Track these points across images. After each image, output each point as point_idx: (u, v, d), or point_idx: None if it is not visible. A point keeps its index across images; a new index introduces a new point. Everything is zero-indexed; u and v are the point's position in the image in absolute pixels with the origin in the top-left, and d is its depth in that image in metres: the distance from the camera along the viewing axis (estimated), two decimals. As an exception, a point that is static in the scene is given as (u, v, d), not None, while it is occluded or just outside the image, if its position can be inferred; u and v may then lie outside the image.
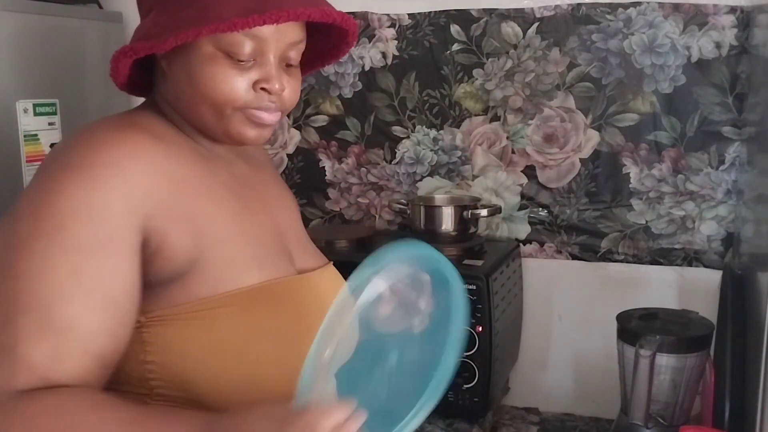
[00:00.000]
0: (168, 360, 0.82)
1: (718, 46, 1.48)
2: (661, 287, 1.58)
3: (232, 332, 0.83)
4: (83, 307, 0.75)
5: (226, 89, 0.83)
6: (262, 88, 0.85)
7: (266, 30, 0.82)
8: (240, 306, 0.83)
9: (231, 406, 0.78)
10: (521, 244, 1.67)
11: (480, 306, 1.35)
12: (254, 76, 0.84)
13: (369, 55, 1.72)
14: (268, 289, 0.86)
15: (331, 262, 1.02)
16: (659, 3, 1.50)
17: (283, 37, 0.84)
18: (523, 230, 1.67)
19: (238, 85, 0.83)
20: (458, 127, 1.68)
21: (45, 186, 0.78)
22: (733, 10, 1.46)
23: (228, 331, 0.83)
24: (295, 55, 0.88)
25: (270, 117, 0.87)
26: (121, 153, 0.79)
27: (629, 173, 1.58)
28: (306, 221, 1.82)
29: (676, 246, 1.57)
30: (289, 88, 0.87)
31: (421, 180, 1.73)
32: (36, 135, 1.39)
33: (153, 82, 0.92)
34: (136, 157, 0.80)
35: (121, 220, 0.77)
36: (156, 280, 0.81)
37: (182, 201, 0.83)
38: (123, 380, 0.82)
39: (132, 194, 0.78)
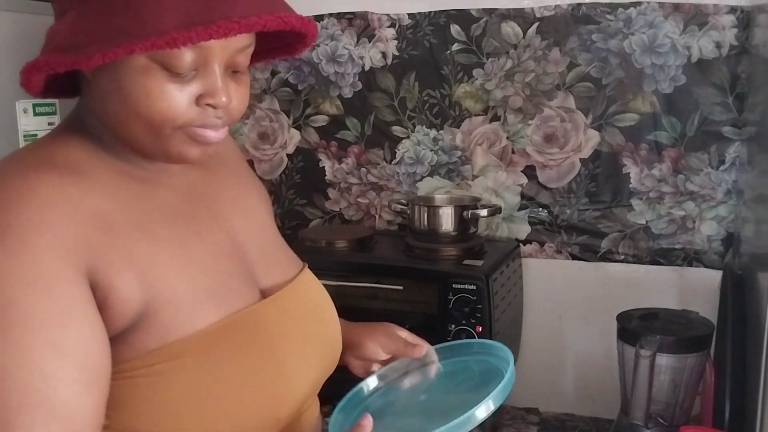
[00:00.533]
0: (121, 423, 0.73)
1: (718, 46, 1.48)
2: (661, 287, 1.58)
3: (189, 386, 0.73)
4: (76, 384, 0.67)
5: (164, 107, 0.71)
6: (207, 104, 0.74)
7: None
8: (195, 353, 0.74)
9: None
10: (521, 244, 1.66)
11: (480, 306, 1.35)
12: (196, 89, 0.73)
13: (369, 55, 1.72)
14: (226, 328, 0.77)
15: (304, 267, 0.95)
16: (659, 3, 1.50)
17: (230, 45, 0.73)
18: (523, 230, 1.67)
19: (177, 101, 0.72)
20: (458, 127, 1.68)
21: None
22: (733, 10, 1.46)
23: (184, 385, 0.73)
24: (243, 60, 0.76)
25: (216, 135, 0.76)
26: (38, 205, 0.68)
27: (629, 173, 1.58)
28: (306, 221, 1.83)
29: (677, 246, 1.57)
30: (237, 99, 0.76)
31: (421, 180, 1.73)
32: (36, 135, 1.39)
33: (77, 84, 0.80)
34: (54, 206, 0.69)
35: (72, 280, 0.68)
36: (108, 332, 0.72)
37: (117, 243, 0.72)
38: None
39: (66, 249, 0.68)
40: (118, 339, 0.72)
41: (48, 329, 0.66)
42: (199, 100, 0.74)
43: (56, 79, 0.75)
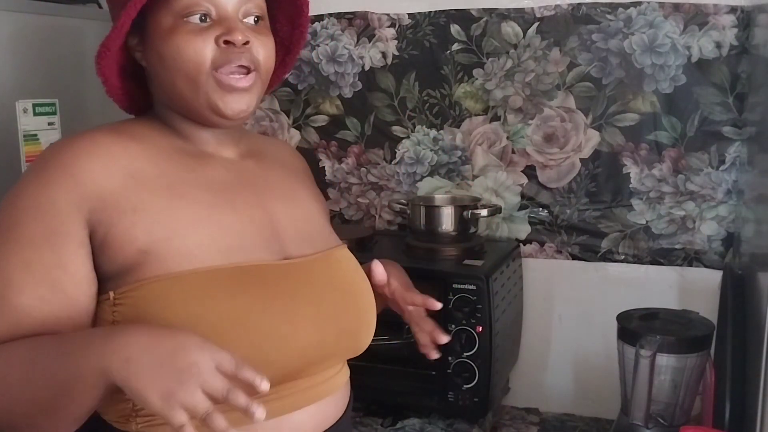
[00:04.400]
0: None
1: (718, 45, 1.48)
2: (661, 287, 1.58)
3: (185, 312, 0.81)
4: (34, 296, 0.81)
5: (191, 53, 0.85)
6: (225, 42, 0.86)
7: None
8: (193, 285, 0.82)
9: None
10: (521, 244, 1.66)
11: (480, 306, 1.35)
12: (215, 32, 0.86)
13: (369, 55, 1.72)
14: (229, 271, 0.85)
15: (340, 245, 1.02)
16: (659, 3, 1.50)
17: None
18: (523, 230, 1.67)
19: (201, 44, 0.86)
20: (458, 127, 1.68)
21: (14, 187, 0.86)
22: (733, 9, 1.46)
23: (181, 309, 0.81)
24: (256, 10, 0.90)
25: (241, 81, 0.88)
26: (76, 153, 0.84)
27: (629, 173, 1.58)
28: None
29: (677, 246, 1.57)
30: (257, 43, 0.89)
31: (421, 180, 1.73)
32: (35, 135, 1.39)
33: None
34: (90, 156, 0.85)
35: (66, 216, 0.82)
36: (111, 269, 0.84)
37: (135, 195, 0.85)
38: None
39: (79, 191, 0.83)
40: (130, 273, 0.83)
41: (30, 250, 0.81)
42: (218, 40, 0.86)
43: (142, 96, 0.95)
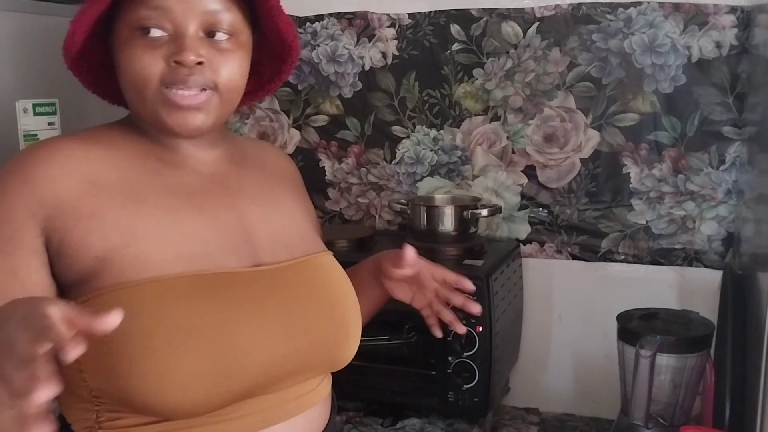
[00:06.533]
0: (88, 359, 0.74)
1: (718, 45, 1.48)
2: (661, 287, 1.58)
3: (142, 325, 0.77)
4: None
5: (139, 67, 0.83)
6: (175, 61, 0.83)
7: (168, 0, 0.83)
8: (150, 295, 0.79)
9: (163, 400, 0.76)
10: (521, 244, 1.66)
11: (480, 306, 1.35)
12: (167, 50, 0.83)
13: (369, 54, 1.72)
14: (189, 279, 0.81)
15: (319, 252, 0.97)
16: (659, 3, 1.50)
17: (191, 7, 0.83)
18: (523, 230, 1.67)
19: (150, 60, 0.83)
20: (458, 127, 1.68)
21: None
22: (733, 9, 1.46)
23: (137, 324, 0.76)
24: (222, 27, 0.86)
25: (185, 98, 0.84)
26: (35, 160, 0.83)
27: (629, 173, 1.58)
28: (306, 221, 1.83)
29: (677, 246, 1.57)
30: (217, 62, 0.85)
31: (421, 180, 1.73)
32: (35, 135, 1.39)
33: None
34: (49, 162, 0.83)
35: (20, 223, 0.81)
36: (70, 277, 0.82)
37: (93, 201, 0.82)
38: (68, 388, 0.76)
39: (35, 198, 0.81)
40: (90, 280, 0.80)
41: None
42: (169, 58, 0.83)
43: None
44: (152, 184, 0.88)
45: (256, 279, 0.86)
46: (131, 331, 0.74)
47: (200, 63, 0.84)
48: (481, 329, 1.35)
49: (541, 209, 1.65)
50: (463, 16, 1.63)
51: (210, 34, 0.86)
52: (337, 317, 0.92)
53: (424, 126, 1.70)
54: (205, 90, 0.85)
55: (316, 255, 0.96)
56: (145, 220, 0.84)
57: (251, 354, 0.82)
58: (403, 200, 1.67)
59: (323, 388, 0.94)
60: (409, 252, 1.02)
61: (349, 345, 0.94)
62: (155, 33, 0.83)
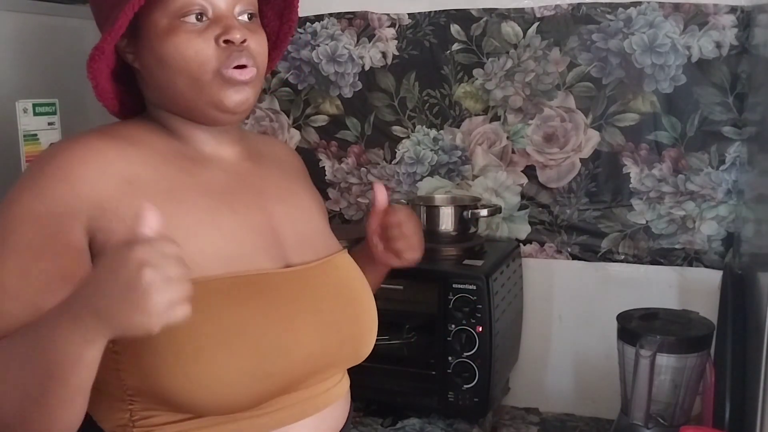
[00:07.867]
0: (129, 366, 0.81)
1: (718, 45, 1.48)
2: (661, 287, 1.58)
3: (184, 328, 0.76)
4: (29, 304, 0.78)
5: (192, 53, 0.84)
6: (225, 41, 0.85)
7: None
8: (194, 297, 0.77)
9: (199, 400, 0.79)
10: (521, 244, 1.66)
11: (480, 306, 1.35)
12: (213, 32, 0.85)
13: (369, 54, 1.72)
14: (229, 281, 0.83)
15: (340, 251, 1.01)
16: (659, 3, 1.50)
17: None
18: (523, 230, 1.67)
19: (201, 45, 0.85)
20: (458, 127, 1.68)
21: (9, 194, 0.83)
22: (733, 9, 1.46)
23: (181, 327, 0.76)
24: (250, 7, 0.90)
25: (243, 74, 0.87)
26: (70, 160, 0.82)
27: (629, 173, 1.58)
28: (306, 221, 1.83)
29: (677, 246, 1.57)
30: (253, 41, 0.88)
31: (421, 180, 1.73)
32: (36, 135, 1.39)
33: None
34: (85, 162, 0.82)
35: (64, 223, 0.80)
36: None
37: (131, 201, 0.82)
38: (101, 387, 0.79)
39: (75, 198, 0.81)
40: None
41: (25, 256, 0.80)
42: (218, 39, 0.85)
43: (133, 103, 0.93)
44: (186, 183, 0.88)
45: (288, 280, 0.89)
46: (176, 331, 0.74)
47: (245, 41, 0.87)
48: (481, 329, 1.35)
49: (541, 209, 1.65)
50: (463, 16, 1.63)
51: (241, 15, 0.89)
52: (360, 314, 0.97)
53: (424, 126, 1.70)
54: (250, 67, 0.89)
55: (336, 254, 0.99)
56: (186, 220, 0.85)
57: (290, 352, 0.85)
58: (403, 200, 1.67)
59: (345, 382, 0.99)
60: (379, 189, 1.06)
61: (371, 339, 0.98)
62: (198, 18, 0.85)
